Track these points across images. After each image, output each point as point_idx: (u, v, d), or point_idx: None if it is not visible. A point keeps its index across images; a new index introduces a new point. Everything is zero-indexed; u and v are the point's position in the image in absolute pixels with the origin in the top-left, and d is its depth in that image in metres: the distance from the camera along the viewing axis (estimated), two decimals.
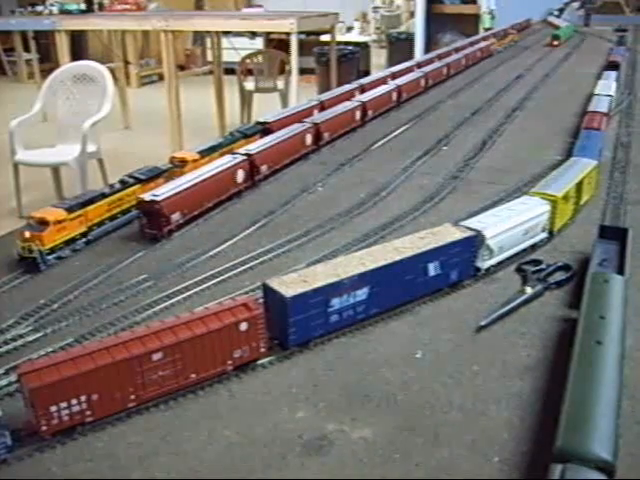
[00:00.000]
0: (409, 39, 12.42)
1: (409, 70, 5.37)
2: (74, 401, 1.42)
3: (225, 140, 3.26)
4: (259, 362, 1.69)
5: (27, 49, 13.23)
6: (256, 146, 3.08)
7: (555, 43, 8.02)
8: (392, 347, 1.78)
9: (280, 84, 9.32)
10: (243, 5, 14.71)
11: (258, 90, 9.37)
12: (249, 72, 9.56)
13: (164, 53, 7.63)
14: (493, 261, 2.15)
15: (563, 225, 2.48)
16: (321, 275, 1.76)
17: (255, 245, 2.40)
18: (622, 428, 1.34)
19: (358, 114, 4.05)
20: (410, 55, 11.03)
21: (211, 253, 2.34)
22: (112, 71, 6.79)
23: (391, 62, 10.81)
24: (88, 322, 1.91)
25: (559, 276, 2.13)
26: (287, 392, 1.60)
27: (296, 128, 3.41)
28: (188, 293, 2.06)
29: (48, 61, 12.33)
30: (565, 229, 2.50)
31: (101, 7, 10.11)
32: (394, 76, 5.07)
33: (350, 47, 11.99)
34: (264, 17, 8.43)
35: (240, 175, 2.89)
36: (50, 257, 2.26)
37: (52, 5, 9.30)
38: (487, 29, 10.51)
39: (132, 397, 1.49)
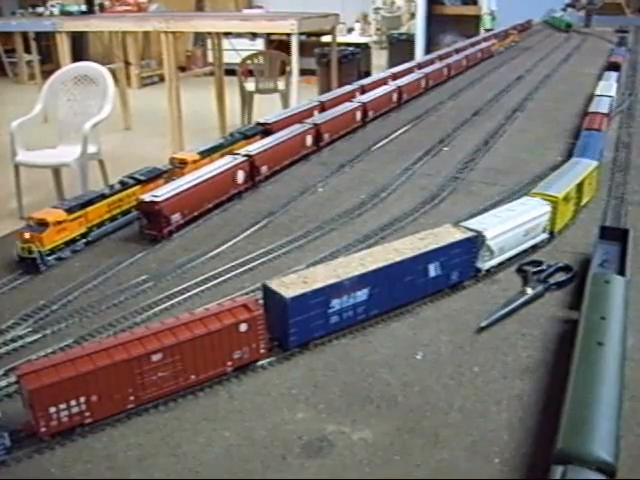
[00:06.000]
0: (410, 40, 12.45)
1: (410, 71, 5.37)
2: (73, 402, 1.41)
3: (225, 141, 3.26)
4: (259, 363, 1.68)
5: (28, 50, 13.24)
6: (256, 147, 3.07)
7: (568, 30, 9.75)
8: (392, 348, 1.78)
9: (281, 85, 9.33)
10: (244, 6, 14.72)
11: (259, 91, 9.38)
12: (250, 73, 9.57)
13: (165, 54, 7.63)
14: (494, 262, 2.15)
15: (564, 226, 2.48)
16: (321, 276, 1.75)
17: (255, 246, 2.40)
18: (623, 429, 1.33)
19: (358, 115, 4.05)
20: (411, 56, 11.05)
21: (211, 254, 2.34)
22: (113, 72, 6.79)
23: (392, 63, 10.81)
24: (88, 323, 1.91)
25: (560, 277, 2.12)
26: (287, 393, 1.60)
27: (296, 129, 3.40)
28: (188, 294, 2.05)
29: (49, 62, 12.33)
30: (566, 230, 2.49)
31: (102, 8, 10.13)
32: (395, 77, 5.07)
33: (351, 48, 12.01)
34: (265, 18, 8.43)
35: (240, 176, 2.89)
36: (50, 258, 2.26)
37: (53, 6, 9.32)
38: (488, 30, 10.51)
39: (131, 398, 1.49)
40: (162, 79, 9.46)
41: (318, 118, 3.71)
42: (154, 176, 2.73)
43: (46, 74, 7.62)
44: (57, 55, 8.52)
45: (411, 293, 1.94)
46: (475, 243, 2.05)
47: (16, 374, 1.43)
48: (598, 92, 4.27)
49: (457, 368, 1.69)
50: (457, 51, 6.69)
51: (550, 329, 1.87)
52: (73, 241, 2.36)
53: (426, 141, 3.77)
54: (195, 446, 1.42)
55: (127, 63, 11.04)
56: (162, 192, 2.47)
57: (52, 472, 1.36)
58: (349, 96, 4.35)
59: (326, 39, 10.95)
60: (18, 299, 2.06)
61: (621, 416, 1.34)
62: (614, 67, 5.45)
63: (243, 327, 1.61)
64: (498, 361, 1.72)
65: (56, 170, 6.23)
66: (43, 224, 2.26)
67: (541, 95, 5.16)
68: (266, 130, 3.49)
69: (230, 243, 2.43)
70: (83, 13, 9.30)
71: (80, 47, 12.31)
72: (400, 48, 12.29)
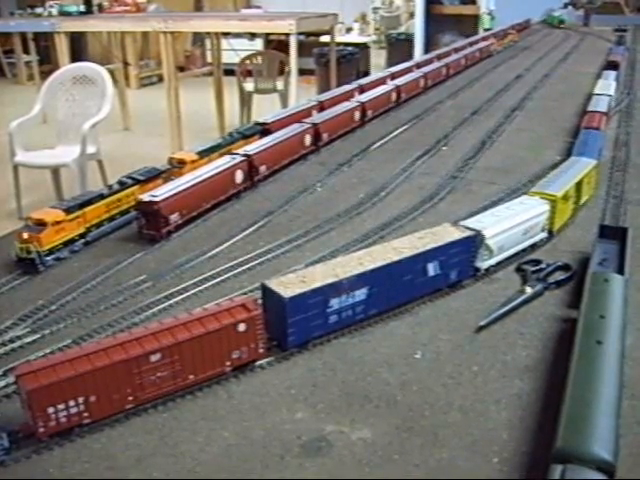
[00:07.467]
0: (408, 40, 12.43)
1: (408, 70, 5.37)
2: (72, 402, 1.41)
3: (224, 141, 3.26)
4: (258, 363, 1.68)
5: (27, 51, 13.23)
6: (255, 147, 3.07)
7: (562, 26, 10.31)
8: (391, 347, 1.78)
9: (279, 85, 9.31)
10: (242, 6, 14.71)
11: (257, 91, 9.36)
12: (248, 73, 9.56)
13: (163, 54, 7.62)
14: (493, 261, 2.15)
15: (563, 225, 2.48)
16: (320, 275, 1.75)
17: (254, 246, 2.39)
18: (622, 428, 1.33)
19: (357, 114, 4.04)
20: (409, 56, 11.03)
21: (210, 254, 2.34)
22: (111, 72, 6.78)
23: (390, 63, 10.80)
24: (86, 323, 1.90)
25: (559, 276, 2.12)
26: (286, 393, 1.60)
27: (295, 129, 3.40)
28: (187, 294, 2.05)
29: (48, 63, 12.33)
30: (565, 229, 2.49)
31: (100, 9, 10.11)
32: (393, 76, 5.07)
33: (350, 48, 11.98)
34: (263, 18, 8.42)
35: (239, 176, 2.88)
36: (48, 258, 2.26)
37: (51, 7, 9.30)
38: (487, 29, 10.52)
39: (130, 398, 1.49)
40: (161, 79, 9.44)
41: (317, 118, 3.71)
42: (153, 176, 2.72)
43: (45, 74, 7.63)
44: (56, 55, 8.51)
45: (410, 292, 1.93)
46: (474, 242, 2.05)
47: (14, 374, 1.43)
48: (597, 91, 4.27)
49: (456, 367, 1.69)
50: (456, 50, 6.69)
51: (549, 328, 1.86)
52: (72, 241, 2.36)
53: (425, 140, 3.77)
54: (194, 446, 1.42)
55: (126, 63, 11.03)
56: (161, 192, 2.46)
57: (51, 472, 1.36)
58: (348, 96, 4.34)
59: (325, 39, 10.93)
60: (16, 299, 2.06)
61: (620, 415, 1.34)
62: (613, 66, 5.45)
63: (242, 327, 1.61)
64: (497, 360, 1.72)
65: (55, 170, 6.22)
66: (42, 224, 2.26)
67: (540, 94, 5.16)
68: (265, 130, 3.49)
69: (229, 243, 2.43)
70: (82, 13, 9.28)
71: (79, 47, 12.29)
72: (399, 48, 12.28)
